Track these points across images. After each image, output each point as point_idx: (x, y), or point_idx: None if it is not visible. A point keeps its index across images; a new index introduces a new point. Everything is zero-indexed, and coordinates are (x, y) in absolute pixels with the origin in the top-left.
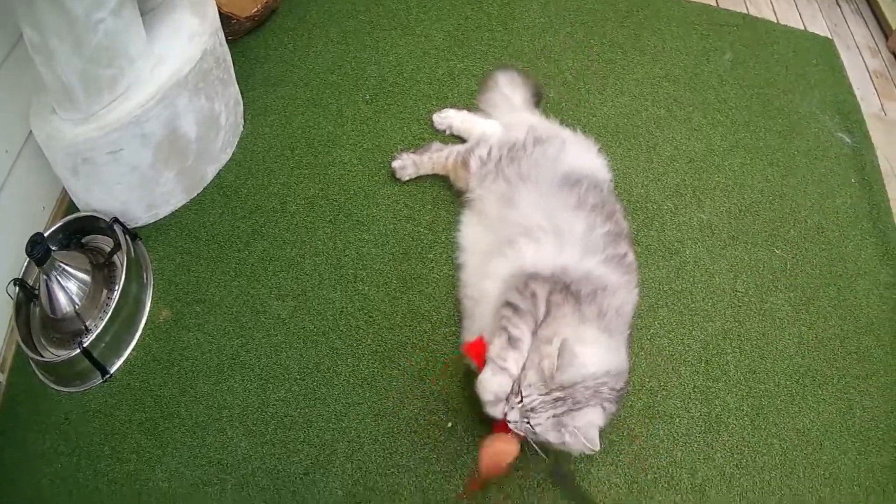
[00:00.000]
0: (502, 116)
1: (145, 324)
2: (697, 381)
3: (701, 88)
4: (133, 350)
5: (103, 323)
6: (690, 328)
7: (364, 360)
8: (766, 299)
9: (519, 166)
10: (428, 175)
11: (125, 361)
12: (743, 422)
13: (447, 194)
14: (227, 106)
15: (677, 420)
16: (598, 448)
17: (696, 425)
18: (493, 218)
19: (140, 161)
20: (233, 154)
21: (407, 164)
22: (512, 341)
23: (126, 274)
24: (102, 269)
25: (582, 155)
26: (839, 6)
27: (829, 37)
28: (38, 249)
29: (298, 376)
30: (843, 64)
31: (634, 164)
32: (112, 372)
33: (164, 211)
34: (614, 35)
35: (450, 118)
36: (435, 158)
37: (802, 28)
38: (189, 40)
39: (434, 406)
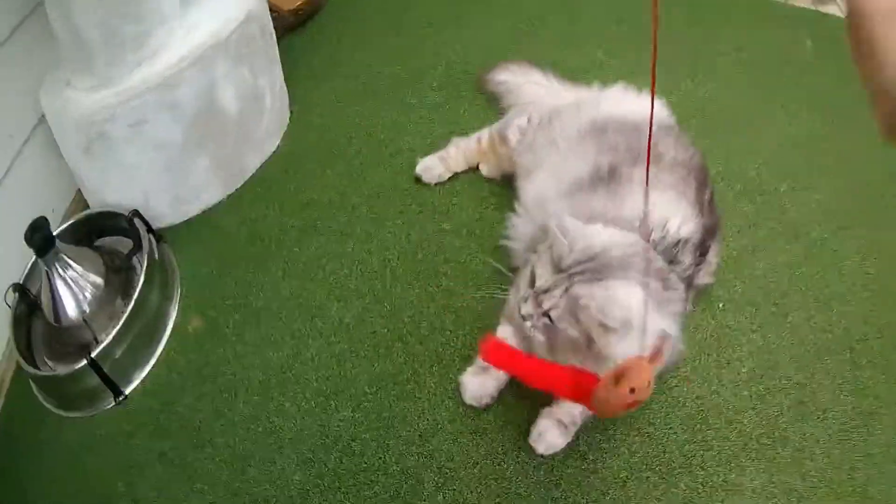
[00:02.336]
0: (539, 99)
1: (170, 336)
2: (845, 371)
3: (790, 75)
4: (154, 367)
5: (115, 331)
6: (829, 314)
7: (454, 366)
8: None
9: (551, 129)
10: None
11: (143, 380)
12: None
13: None
14: (273, 88)
15: (830, 416)
16: (614, 324)
17: (850, 420)
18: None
19: (168, 138)
20: (278, 146)
21: (432, 164)
22: None
23: (145, 277)
24: (119, 273)
25: (619, 102)
26: None
27: None
28: (40, 236)
29: (369, 390)
30: None
31: (739, 147)
32: (127, 392)
33: (195, 208)
34: (687, 30)
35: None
36: (464, 146)
37: None
38: (236, 8)
39: None
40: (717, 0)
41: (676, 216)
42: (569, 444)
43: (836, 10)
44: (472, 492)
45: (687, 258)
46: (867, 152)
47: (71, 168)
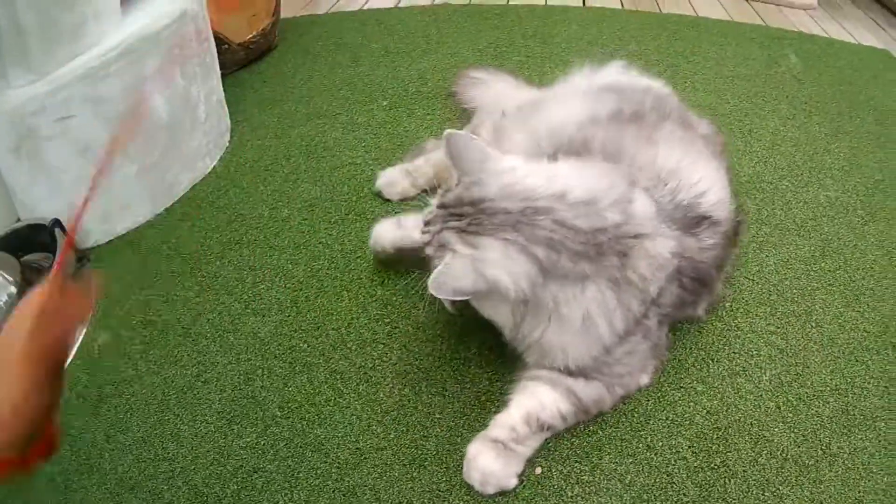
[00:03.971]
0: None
1: (76, 355)
2: (891, 371)
3: (779, 84)
4: None
5: None
6: (860, 310)
7: (386, 385)
8: None
9: (537, 113)
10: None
11: None
12: None
13: None
14: (208, 100)
15: (881, 424)
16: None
17: None
18: None
19: (93, 137)
20: (213, 167)
21: (395, 178)
22: None
23: None
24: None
25: (622, 73)
26: (884, 29)
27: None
28: None
29: (280, 413)
30: None
31: (734, 147)
32: None
33: (121, 226)
34: (669, 47)
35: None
36: (434, 158)
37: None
38: (170, 4)
39: None
40: (703, 26)
41: (715, 189)
42: (524, 473)
43: (819, 30)
44: None
45: (710, 239)
46: (873, 154)
47: (3, 176)
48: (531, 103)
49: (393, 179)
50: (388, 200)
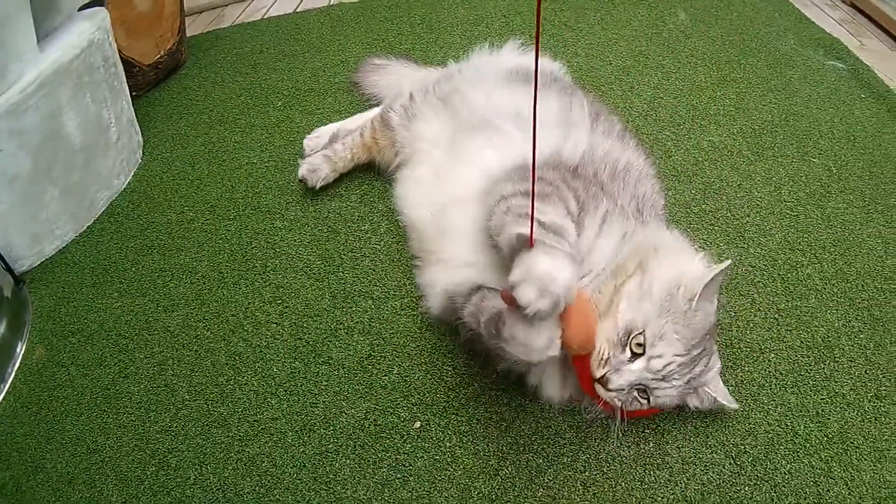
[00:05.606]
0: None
1: (18, 367)
2: (780, 303)
3: (665, 42)
4: (3, 398)
5: None
6: (745, 246)
7: (279, 360)
8: (825, 205)
9: (452, 83)
10: (349, 171)
11: None
12: (858, 339)
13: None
14: (119, 121)
15: (773, 356)
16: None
17: (802, 356)
18: (446, 131)
19: (19, 168)
20: (128, 183)
21: (318, 164)
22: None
23: None
24: None
25: (518, 56)
26: None
27: None
28: None
29: (188, 396)
30: (806, 15)
31: (612, 105)
32: None
33: (51, 247)
34: (554, 18)
35: (331, 126)
36: (350, 142)
37: None
38: (78, 36)
39: (389, 403)
40: None
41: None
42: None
43: None
44: (298, 500)
45: None
46: (764, 97)
47: None
48: (436, 84)
49: (315, 166)
50: (312, 188)
